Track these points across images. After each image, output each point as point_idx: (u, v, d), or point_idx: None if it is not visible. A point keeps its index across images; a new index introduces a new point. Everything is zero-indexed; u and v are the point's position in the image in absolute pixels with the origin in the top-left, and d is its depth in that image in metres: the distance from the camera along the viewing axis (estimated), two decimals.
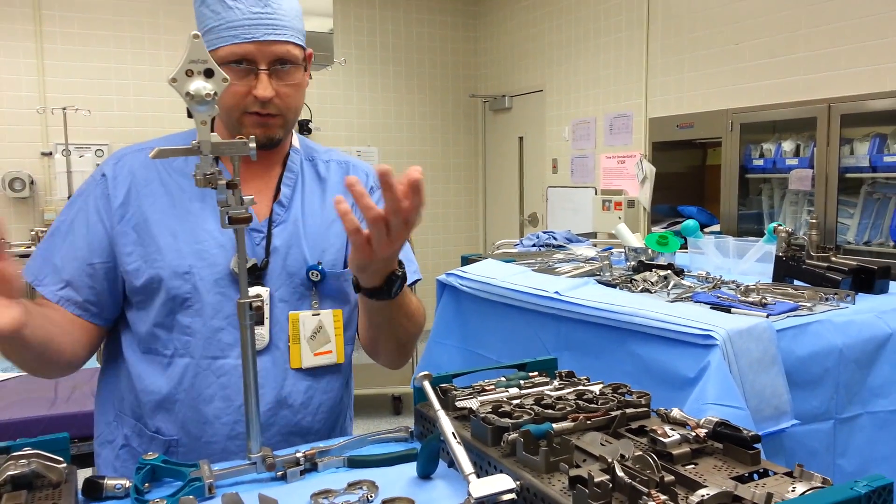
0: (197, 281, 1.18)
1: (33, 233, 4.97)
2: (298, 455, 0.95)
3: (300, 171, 1.31)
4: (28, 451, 0.85)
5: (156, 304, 1.18)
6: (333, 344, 1.26)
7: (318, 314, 1.25)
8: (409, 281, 1.24)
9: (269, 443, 1.22)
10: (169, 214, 1.20)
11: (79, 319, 1.18)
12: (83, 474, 0.91)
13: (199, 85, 0.76)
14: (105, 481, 0.87)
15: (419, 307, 1.29)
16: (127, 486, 0.87)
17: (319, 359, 1.25)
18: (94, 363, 3.36)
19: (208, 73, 0.78)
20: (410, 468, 0.94)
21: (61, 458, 0.86)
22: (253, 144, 0.81)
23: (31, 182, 5.16)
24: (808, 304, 1.79)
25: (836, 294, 1.85)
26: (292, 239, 1.25)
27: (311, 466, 0.95)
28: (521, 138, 6.48)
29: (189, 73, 0.77)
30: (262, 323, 1.18)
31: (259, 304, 0.90)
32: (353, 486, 0.88)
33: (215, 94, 0.78)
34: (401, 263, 1.08)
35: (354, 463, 0.97)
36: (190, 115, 0.77)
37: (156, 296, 1.18)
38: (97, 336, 1.23)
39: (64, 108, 5.01)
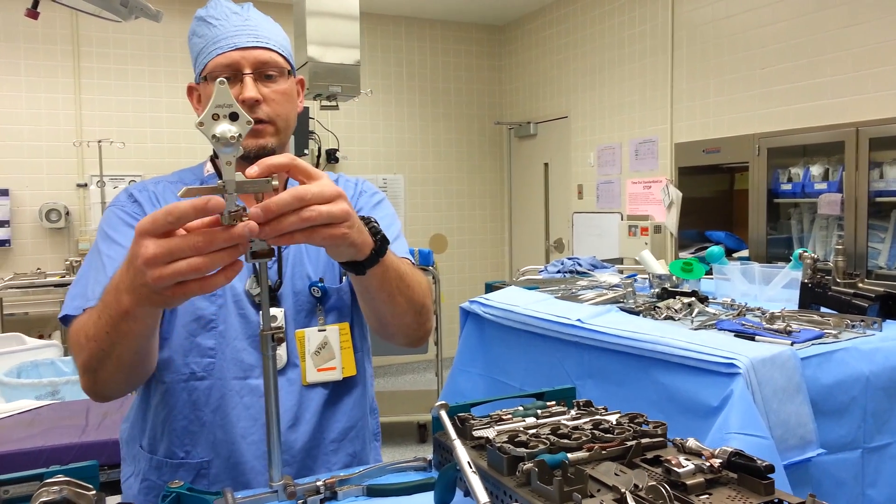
0: (221, 302, 1.23)
1: (68, 262, 5.10)
2: (318, 483, 0.96)
3: None
4: (60, 478, 0.87)
5: (175, 325, 1.22)
6: (338, 360, 1.28)
7: (324, 330, 1.28)
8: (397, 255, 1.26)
9: (293, 461, 1.25)
10: None
11: None
12: (112, 501, 0.94)
13: (225, 128, 0.80)
14: None
15: (415, 272, 1.19)
16: None
17: (323, 374, 1.27)
18: None
19: (233, 117, 0.81)
20: (428, 497, 0.95)
21: (91, 486, 0.88)
22: (276, 182, 0.84)
23: (67, 213, 5.30)
24: (834, 332, 1.77)
25: (862, 321, 1.83)
26: (296, 258, 1.29)
27: (330, 495, 0.97)
28: (546, 164, 6.51)
29: (215, 117, 0.80)
30: (280, 344, 1.20)
31: (281, 335, 0.92)
32: None
33: (240, 135, 0.81)
34: (374, 231, 1.00)
35: (373, 492, 0.98)
36: (216, 156, 0.81)
37: (176, 318, 1.22)
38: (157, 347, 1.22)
39: (99, 141, 5.16)
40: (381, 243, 1.01)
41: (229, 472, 1.22)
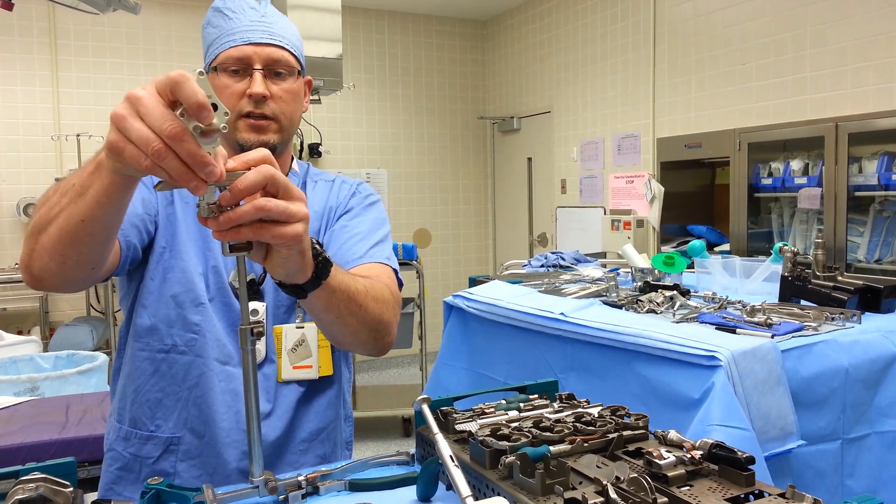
0: (211, 284, 1.24)
1: None
2: (300, 478, 0.96)
3: None
4: (36, 475, 0.86)
5: (166, 294, 1.22)
6: (315, 359, 1.27)
7: (302, 327, 1.27)
8: (371, 260, 1.25)
9: (263, 455, 1.23)
10: (189, 217, 1.25)
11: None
12: (92, 498, 0.93)
13: None
14: None
15: (373, 287, 1.14)
16: None
17: (298, 372, 1.26)
18: (104, 386, 3.38)
19: (213, 108, 0.80)
20: (411, 491, 0.95)
21: (68, 483, 0.87)
22: None
23: None
24: (814, 324, 1.79)
25: (841, 314, 1.85)
26: None
27: (312, 490, 0.96)
28: (529, 159, 6.52)
29: None
30: (259, 339, 1.19)
31: (261, 329, 0.92)
32: None
33: (223, 127, 0.80)
34: (315, 253, 0.96)
35: (355, 486, 0.98)
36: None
37: (168, 286, 1.22)
38: (116, 262, 1.14)
39: (78, 135, 5.09)
40: (322, 266, 0.96)
41: (200, 450, 1.22)
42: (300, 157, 6.05)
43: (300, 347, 1.26)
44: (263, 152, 0.84)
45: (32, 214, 0.99)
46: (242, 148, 1.21)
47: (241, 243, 0.83)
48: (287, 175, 1.34)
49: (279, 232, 0.83)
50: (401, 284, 1.29)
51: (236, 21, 1.21)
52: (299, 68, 1.27)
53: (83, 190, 0.87)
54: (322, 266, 0.96)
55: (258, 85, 1.19)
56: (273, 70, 1.21)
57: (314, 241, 0.97)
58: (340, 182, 1.41)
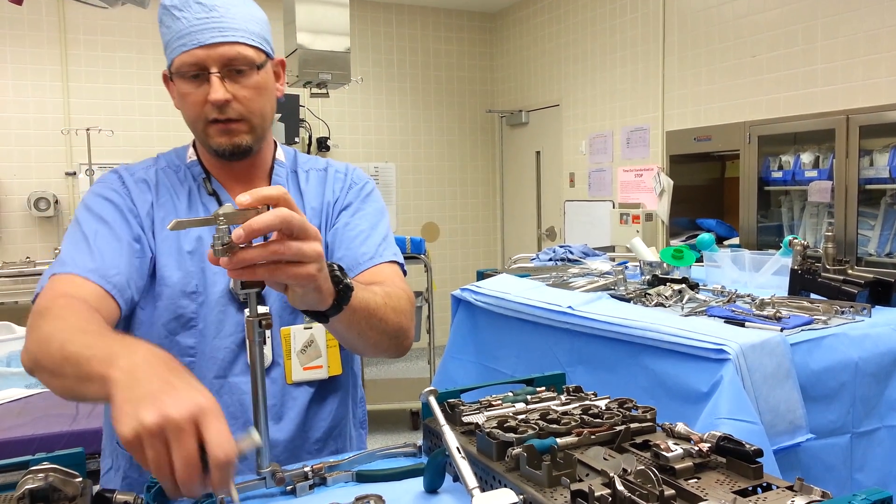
0: (202, 300, 1.20)
1: (57, 251, 5.05)
2: (307, 469, 0.96)
3: (286, 185, 1.30)
4: (45, 465, 0.87)
5: (156, 323, 1.19)
6: (325, 358, 1.27)
7: (311, 327, 1.26)
8: (382, 260, 1.24)
9: (274, 460, 1.24)
10: (165, 233, 1.21)
11: (107, 296, 1.09)
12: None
13: None
14: (115, 496, 0.89)
15: (391, 297, 1.14)
16: (132, 501, 0.89)
17: (309, 373, 1.26)
18: None
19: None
20: (418, 482, 0.95)
21: (77, 473, 0.88)
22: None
23: (56, 201, 5.26)
24: (824, 318, 1.78)
25: (851, 307, 1.83)
26: None
27: (319, 481, 0.96)
28: (538, 153, 6.50)
29: None
30: (265, 342, 1.18)
31: (269, 321, 0.92)
32: (360, 500, 0.89)
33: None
34: (336, 280, 0.96)
35: (362, 477, 0.98)
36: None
37: (158, 314, 1.19)
38: (115, 321, 1.13)
39: (88, 129, 5.11)
40: (344, 292, 0.96)
41: None
42: (308, 151, 6.05)
43: (309, 348, 1.25)
44: (280, 191, 0.83)
45: (28, 327, 0.98)
46: (217, 152, 1.20)
47: (255, 280, 0.84)
48: (272, 166, 1.31)
49: (293, 272, 0.84)
50: (404, 273, 1.29)
51: (183, 21, 1.14)
52: (263, 58, 1.19)
53: (82, 382, 0.86)
54: (343, 292, 0.97)
55: (216, 91, 1.13)
56: (232, 69, 1.15)
57: (335, 266, 0.97)
58: (334, 171, 1.36)
